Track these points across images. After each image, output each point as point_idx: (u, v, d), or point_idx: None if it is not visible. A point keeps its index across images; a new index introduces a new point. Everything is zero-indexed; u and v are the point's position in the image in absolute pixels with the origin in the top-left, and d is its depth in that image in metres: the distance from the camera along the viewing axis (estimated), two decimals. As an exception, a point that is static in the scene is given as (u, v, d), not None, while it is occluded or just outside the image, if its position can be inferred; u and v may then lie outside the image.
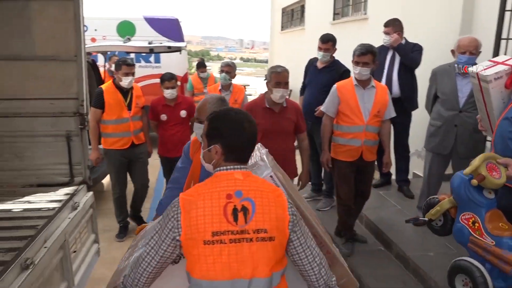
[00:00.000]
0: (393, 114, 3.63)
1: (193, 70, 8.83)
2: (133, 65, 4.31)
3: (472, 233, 2.43)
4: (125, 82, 4.20)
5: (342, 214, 3.82)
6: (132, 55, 7.64)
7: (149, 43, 5.50)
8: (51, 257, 2.42)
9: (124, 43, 5.72)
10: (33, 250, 2.29)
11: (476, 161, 2.36)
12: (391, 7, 6.37)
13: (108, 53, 6.88)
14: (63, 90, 3.25)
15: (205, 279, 1.47)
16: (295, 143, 3.69)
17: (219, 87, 4.78)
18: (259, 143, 2.13)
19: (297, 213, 1.59)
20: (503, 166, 2.33)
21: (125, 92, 4.32)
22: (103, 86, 4.43)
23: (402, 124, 4.55)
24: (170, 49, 5.44)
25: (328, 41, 4.36)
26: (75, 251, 2.91)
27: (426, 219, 2.71)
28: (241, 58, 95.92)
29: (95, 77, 6.09)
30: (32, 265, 2.17)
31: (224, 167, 1.58)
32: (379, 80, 4.34)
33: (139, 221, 4.75)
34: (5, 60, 3.16)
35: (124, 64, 4.21)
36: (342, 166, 3.64)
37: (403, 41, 4.46)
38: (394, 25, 4.39)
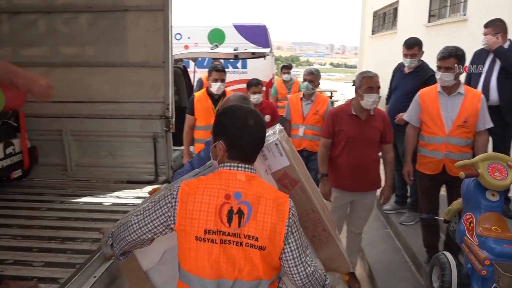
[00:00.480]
0: (489, 125, 3.23)
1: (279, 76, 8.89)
2: (223, 71, 4.21)
3: (467, 233, 2.39)
4: (214, 88, 4.11)
5: (423, 230, 3.54)
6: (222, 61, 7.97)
7: (235, 50, 5.66)
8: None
9: (212, 49, 5.96)
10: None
11: (475, 158, 2.39)
12: (495, 7, 5.77)
13: (199, 59, 7.23)
14: (152, 94, 3.49)
15: (194, 274, 1.48)
16: (380, 154, 3.51)
17: (301, 96, 4.53)
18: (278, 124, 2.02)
19: (296, 222, 1.50)
20: None
21: (216, 99, 4.18)
22: (196, 93, 4.48)
23: (501, 136, 4.05)
24: (254, 55, 5.53)
25: (414, 46, 4.07)
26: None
27: (437, 217, 2.72)
28: (331, 64, 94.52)
29: (186, 82, 6.45)
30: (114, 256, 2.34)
31: (228, 165, 1.53)
32: (476, 86, 3.94)
33: None
34: (104, 66, 3.48)
35: (214, 70, 4.15)
36: (424, 179, 3.36)
37: (507, 44, 3.99)
38: (494, 26, 3.94)
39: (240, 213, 1.45)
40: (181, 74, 6.41)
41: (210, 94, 4.20)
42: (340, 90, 19.32)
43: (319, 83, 4.56)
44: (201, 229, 1.44)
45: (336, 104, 4.23)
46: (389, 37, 11.77)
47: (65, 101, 3.44)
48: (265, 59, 6.50)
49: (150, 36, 3.41)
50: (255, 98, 4.52)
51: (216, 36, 8.62)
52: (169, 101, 3.47)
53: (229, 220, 1.44)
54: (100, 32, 3.45)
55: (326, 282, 1.61)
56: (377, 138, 3.31)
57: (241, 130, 1.52)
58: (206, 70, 8.26)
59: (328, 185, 3.39)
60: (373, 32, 14.13)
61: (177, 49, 8.50)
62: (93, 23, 3.46)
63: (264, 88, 4.72)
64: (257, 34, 8.58)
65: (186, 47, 8.68)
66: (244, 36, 8.72)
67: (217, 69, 4.15)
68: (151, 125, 3.52)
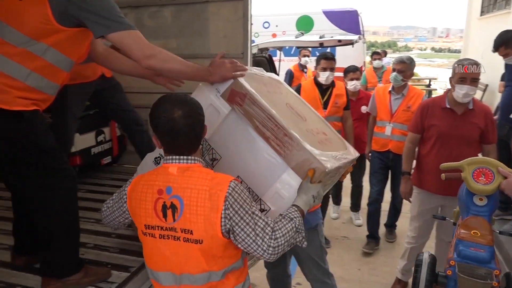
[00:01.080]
0: None
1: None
2: (333, 59, 3.91)
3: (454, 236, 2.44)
4: (322, 77, 3.86)
5: None
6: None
7: (320, 37, 5.44)
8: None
9: (296, 37, 5.80)
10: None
11: (462, 161, 2.39)
12: None
13: (286, 47, 7.14)
14: (231, 85, 3.47)
15: (149, 266, 1.55)
16: (479, 155, 3.07)
17: (389, 89, 3.95)
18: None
19: (237, 207, 1.40)
20: (501, 176, 2.24)
21: (324, 89, 3.94)
22: (303, 82, 4.32)
23: None
24: (340, 43, 5.26)
25: None
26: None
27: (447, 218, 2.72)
28: (432, 48, 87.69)
29: (271, 71, 6.40)
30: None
31: (165, 159, 1.51)
32: None
33: None
34: (186, 58, 3.53)
35: (323, 58, 3.87)
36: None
37: None
38: None
39: (173, 207, 1.42)
40: (267, 63, 6.38)
41: (317, 84, 3.97)
42: (441, 77, 17.76)
43: (412, 74, 3.95)
44: (143, 224, 1.48)
45: (436, 94, 3.70)
46: (502, 18, 10.40)
47: (150, 92, 3.57)
48: (353, 47, 6.16)
49: (230, 26, 3.38)
50: (352, 85, 4.26)
51: (305, 23, 8.43)
52: (247, 92, 3.42)
53: (164, 215, 1.44)
54: (183, 24, 3.51)
55: (298, 239, 1.55)
56: (475, 136, 2.90)
57: (164, 125, 1.45)
58: (293, 58, 8.23)
59: (410, 185, 3.09)
60: (482, 13, 12.63)
61: (264, 38, 8.54)
62: (176, 16, 3.54)
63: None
64: (347, 19, 8.20)
65: (274, 35, 8.64)
66: (334, 22, 8.40)
67: (326, 57, 3.88)
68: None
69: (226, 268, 1.48)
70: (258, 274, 3.14)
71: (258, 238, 1.41)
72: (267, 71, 6.35)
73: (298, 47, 6.34)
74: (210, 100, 1.78)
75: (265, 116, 1.71)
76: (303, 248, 2.38)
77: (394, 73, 3.82)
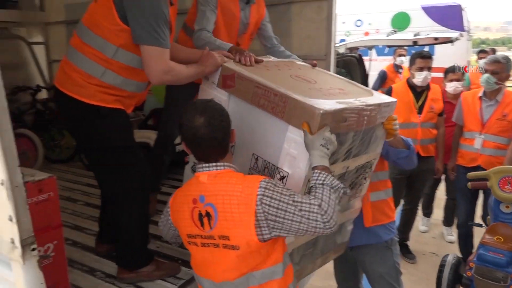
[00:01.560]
0: None
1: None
2: (430, 57, 3.59)
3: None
4: (418, 78, 3.55)
5: None
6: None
7: (415, 35, 5.05)
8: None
9: (388, 36, 5.47)
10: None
11: (488, 170, 2.57)
12: None
13: (379, 46, 6.78)
14: (312, 87, 3.39)
15: (196, 272, 1.57)
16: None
17: (480, 94, 3.43)
18: None
19: (272, 200, 1.35)
20: None
21: (419, 93, 3.63)
22: (395, 85, 4.04)
23: None
24: (437, 41, 4.82)
25: None
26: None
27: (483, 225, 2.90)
28: (557, 45, 77.13)
29: (360, 71, 6.15)
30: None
31: (197, 168, 1.50)
32: None
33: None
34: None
35: (418, 56, 3.57)
36: None
37: None
38: None
39: (208, 215, 1.42)
40: (356, 63, 6.15)
41: (411, 86, 3.66)
42: None
43: (508, 76, 3.37)
44: (185, 234, 1.51)
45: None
46: None
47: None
48: (453, 44, 5.61)
49: (313, 27, 3.29)
50: (451, 86, 3.87)
51: (400, 21, 7.94)
52: (328, 95, 3.30)
53: (202, 224, 1.45)
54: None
55: (341, 193, 1.42)
56: None
57: (187, 133, 1.45)
58: (387, 58, 7.80)
59: None
60: None
61: (356, 36, 8.23)
62: (261, 18, 3.55)
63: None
64: (449, 15, 7.52)
65: (367, 33, 8.28)
66: (434, 18, 7.77)
67: (423, 56, 3.57)
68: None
69: (264, 270, 1.44)
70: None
71: (310, 221, 1.34)
72: (356, 71, 6.14)
73: (389, 46, 5.97)
74: (212, 94, 1.87)
75: (254, 86, 1.71)
76: (374, 268, 2.22)
77: (486, 75, 3.30)
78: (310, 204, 1.35)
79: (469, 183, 2.73)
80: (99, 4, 1.80)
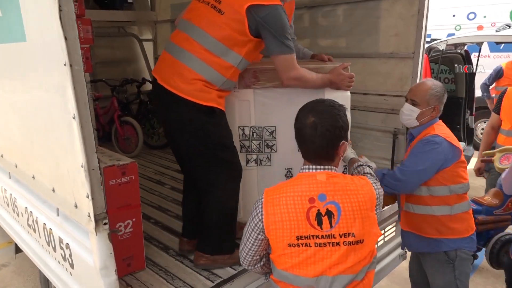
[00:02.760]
0: None
1: None
2: None
3: None
4: None
5: None
6: None
7: (531, 31, 4.46)
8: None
9: (497, 32, 4.90)
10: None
11: (496, 149, 3.08)
12: None
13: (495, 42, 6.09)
14: (398, 87, 3.24)
15: (290, 272, 1.48)
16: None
17: None
18: None
19: (381, 199, 1.55)
20: None
21: None
22: (510, 87, 3.70)
23: None
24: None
25: None
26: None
27: None
28: None
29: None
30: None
31: (306, 168, 1.51)
32: None
33: None
34: (354, 57, 3.46)
35: None
36: None
37: None
38: None
39: (329, 214, 1.43)
40: (461, 60, 5.65)
41: None
42: None
43: None
44: (293, 236, 1.45)
45: None
46: None
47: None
48: None
49: (402, 24, 3.13)
50: None
51: (523, 13, 7.02)
52: (415, 95, 3.13)
53: (319, 223, 1.43)
54: (354, 23, 3.44)
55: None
56: None
57: (298, 131, 1.51)
58: (503, 54, 6.99)
59: None
60: None
61: (467, 31, 7.51)
62: (348, 15, 3.48)
63: None
64: None
65: (480, 27, 7.51)
66: None
67: None
68: (393, 120, 3.29)
69: (372, 261, 1.53)
70: None
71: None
72: (459, 69, 5.59)
73: (497, 43, 5.35)
74: (235, 101, 2.23)
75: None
76: (432, 279, 2.14)
77: None
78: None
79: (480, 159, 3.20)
80: (227, 17, 1.95)
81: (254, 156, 2.43)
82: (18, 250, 2.74)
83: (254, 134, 2.38)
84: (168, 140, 2.36)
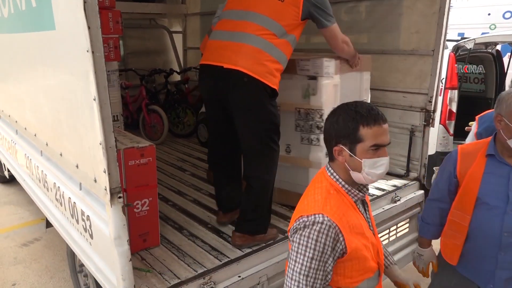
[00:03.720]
0: None
1: None
2: None
3: None
4: None
5: None
6: None
7: None
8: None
9: (528, 32, 4.76)
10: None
11: None
12: None
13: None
14: (417, 84, 3.26)
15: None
16: None
17: None
18: None
19: None
20: None
21: None
22: None
23: None
24: None
25: None
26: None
27: None
28: None
29: (497, 69, 5.51)
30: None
31: None
32: None
33: None
34: (375, 54, 3.49)
35: None
36: None
37: None
38: None
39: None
40: (492, 60, 5.52)
41: None
42: None
43: None
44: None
45: None
46: None
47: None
48: None
49: (423, 21, 3.15)
50: None
51: None
52: (433, 93, 3.15)
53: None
54: (376, 19, 3.47)
55: None
56: None
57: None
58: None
59: None
60: None
61: (503, 30, 7.28)
62: (371, 11, 3.52)
63: None
64: None
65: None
66: None
67: None
68: (410, 117, 3.31)
69: None
70: None
71: None
72: (491, 69, 5.49)
73: None
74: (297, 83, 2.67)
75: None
76: None
77: None
78: None
79: None
80: (286, 4, 2.23)
81: (307, 135, 2.69)
82: (48, 225, 2.96)
83: (307, 115, 2.65)
84: (218, 120, 2.45)
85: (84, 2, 1.38)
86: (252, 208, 2.33)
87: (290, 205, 2.83)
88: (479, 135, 2.41)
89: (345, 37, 2.50)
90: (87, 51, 1.44)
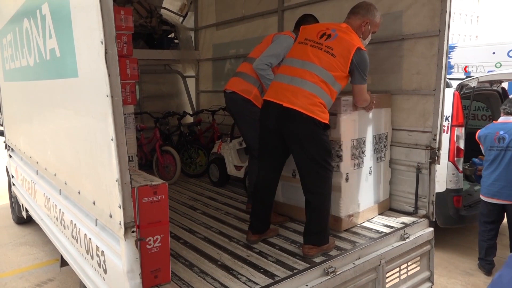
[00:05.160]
0: None
1: None
2: None
3: None
4: None
5: None
6: None
7: None
8: (357, 274, 2.66)
9: (529, 70, 4.87)
10: (341, 262, 2.64)
11: None
12: None
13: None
14: (421, 123, 3.35)
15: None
16: None
17: None
18: None
19: None
20: None
21: None
22: None
23: None
24: None
25: None
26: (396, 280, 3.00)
27: None
28: None
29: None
30: (333, 273, 2.52)
31: None
32: None
33: None
34: (380, 93, 3.62)
35: None
36: None
37: None
38: None
39: None
40: (498, 97, 5.62)
41: None
42: None
43: None
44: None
45: None
46: None
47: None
48: None
49: (424, 63, 3.29)
50: None
51: None
52: (437, 131, 3.23)
53: None
54: (379, 61, 3.62)
55: None
56: None
57: None
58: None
59: None
60: None
61: (509, 67, 7.43)
62: (373, 54, 3.66)
63: None
64: None
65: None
66: None
67: None
68: (416, 154, 3.38)
69: None
70: None
71: None
72: (497, 105, 5.56)
73: None
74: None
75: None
76: None
77: None
78: None
79: None
80: (338, 59, 2.69)
81: (357, 161, 3.18)
82: (62, 264, 3.03)
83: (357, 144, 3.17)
84: (273, 146, 2.88)
85: (106, 53, 1.55)
86: (315, 221, 2.71)
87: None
88: None
89: (368, 96, 2.98)
90: (107, 96, 1.59)
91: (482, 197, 4.14)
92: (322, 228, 2.72)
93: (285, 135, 2.74)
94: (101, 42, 1.55)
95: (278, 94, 2.72)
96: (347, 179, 3.10)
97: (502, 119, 4.17)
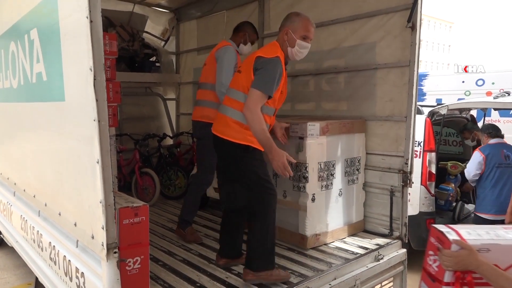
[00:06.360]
0: None
1: None
2: None
3: None
4: None
5: None
6: None
7: (526, 99, 4.71)
8: (334, 295, 2.73)
9: (494, 98, 5.15)
10: (317, 282, 2.70)
11: None
12: None
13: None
14: (394, 147, 3.51)
15: None
16: None
17: None
18: None
19: None
20: None
21: None
22: None
23: None
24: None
25: None
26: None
27: None
28: None
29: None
30: (311, 295, 2.58)
31: None
32: None
33: None
34: (355, 119, 3.77)
35: None
36: None
37: None
38: None
39: None
40: (473, 123, 5.89)
41: None
42: None
43: None
44: None
45: None
46: None
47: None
48: None
49: (396, 91, 3.47)
50: None
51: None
52: (408, 155, 3.39)
53: None
54: (354, 89, 3.79)
55: None
56: None
57: None
58: (512, 119, 7.18)
59: None
60: None
61: (476, 96, 7.80)
62: (349, 82, 3.85)
63: None
64: None
65: (489, 93, 7.78)
66: None
67: None
68: (390, 178, 3.52)
69: None
70: None
71: None
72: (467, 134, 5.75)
73: (495, 109, 5.59)
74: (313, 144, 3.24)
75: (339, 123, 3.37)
76: None
77: None
78: None
79: None
80: (243, 74, 2.66)
81: (296, 184, 3.26)
82: (37, 287, 2.98)
83: (297, 167, 3.20)
84: (224, 174, 2.92)
85: (94, 79, 1.62)
86: (252, 244, 2.62)
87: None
88: None
89: (257, 108, 2.50)
90: (94, 120, 1.65)
91: (483, 215, 4.31)
92: (259, 254, 2.59)
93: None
94: (90, 69, 1.62)
95: (214, 123, 2.78)
96: (313, 200, 3.22)
97: (493, 141, 4.49)
